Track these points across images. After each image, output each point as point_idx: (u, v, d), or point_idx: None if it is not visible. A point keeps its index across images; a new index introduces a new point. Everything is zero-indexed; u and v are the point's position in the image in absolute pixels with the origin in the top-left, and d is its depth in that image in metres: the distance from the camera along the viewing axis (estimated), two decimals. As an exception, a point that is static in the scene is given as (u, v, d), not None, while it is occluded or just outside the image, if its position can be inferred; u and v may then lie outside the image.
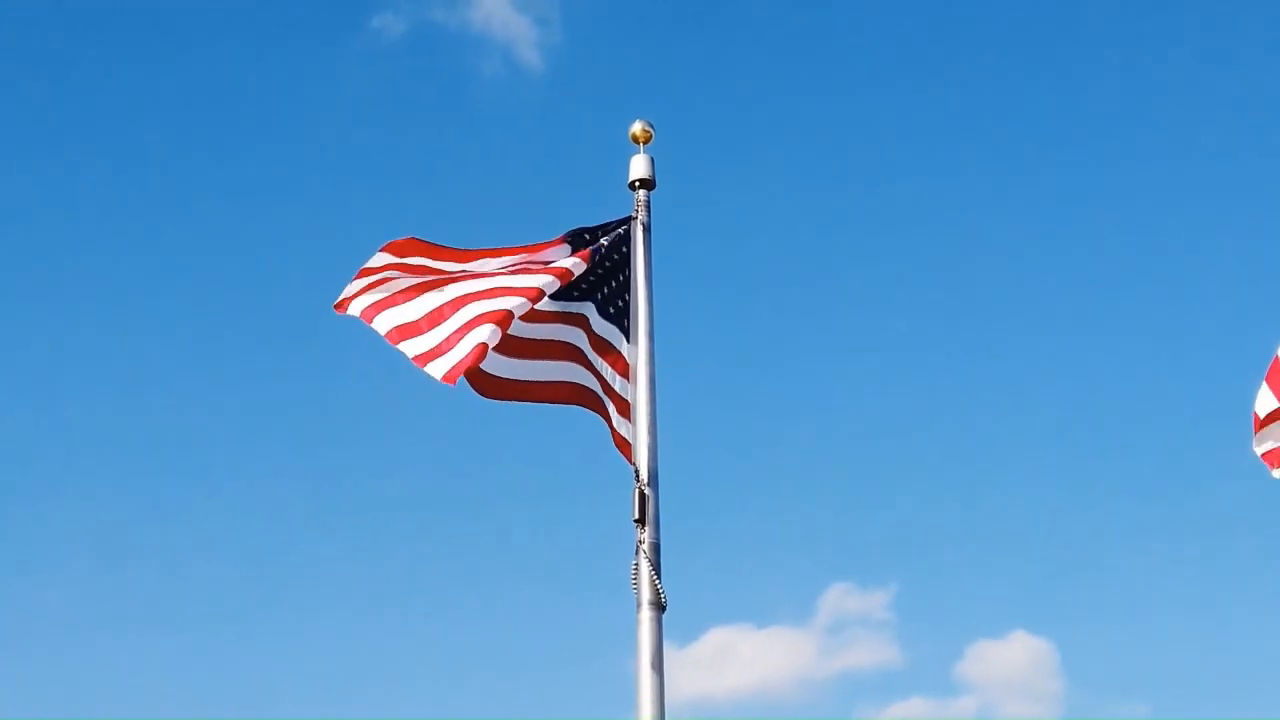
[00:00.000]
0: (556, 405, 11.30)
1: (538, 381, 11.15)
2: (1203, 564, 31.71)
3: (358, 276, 11.20)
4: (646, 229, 11.54)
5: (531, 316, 11.03)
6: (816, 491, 32.95)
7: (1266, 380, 11.24)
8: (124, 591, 31.44)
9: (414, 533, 32.38)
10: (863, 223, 35.18)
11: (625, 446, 11.08)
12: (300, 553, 32.05)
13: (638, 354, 11.21)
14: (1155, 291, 34.40)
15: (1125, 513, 32.69)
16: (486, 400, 11.09)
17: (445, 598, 31.60)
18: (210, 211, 34.62)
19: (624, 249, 11.44)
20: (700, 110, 34.88)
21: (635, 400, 11.09)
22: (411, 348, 10.64)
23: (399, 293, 10.94)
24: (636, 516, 10.63)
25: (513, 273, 11.14)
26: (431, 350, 10.58)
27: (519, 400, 11.15)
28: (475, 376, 10.83)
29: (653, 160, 11.65)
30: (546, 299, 10.99)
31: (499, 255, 11.38)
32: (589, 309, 11.36)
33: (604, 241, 11.38)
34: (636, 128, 11.66)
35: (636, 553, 10.58)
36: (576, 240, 11.41)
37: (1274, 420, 11.20)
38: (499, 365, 10.95)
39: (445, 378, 10.41)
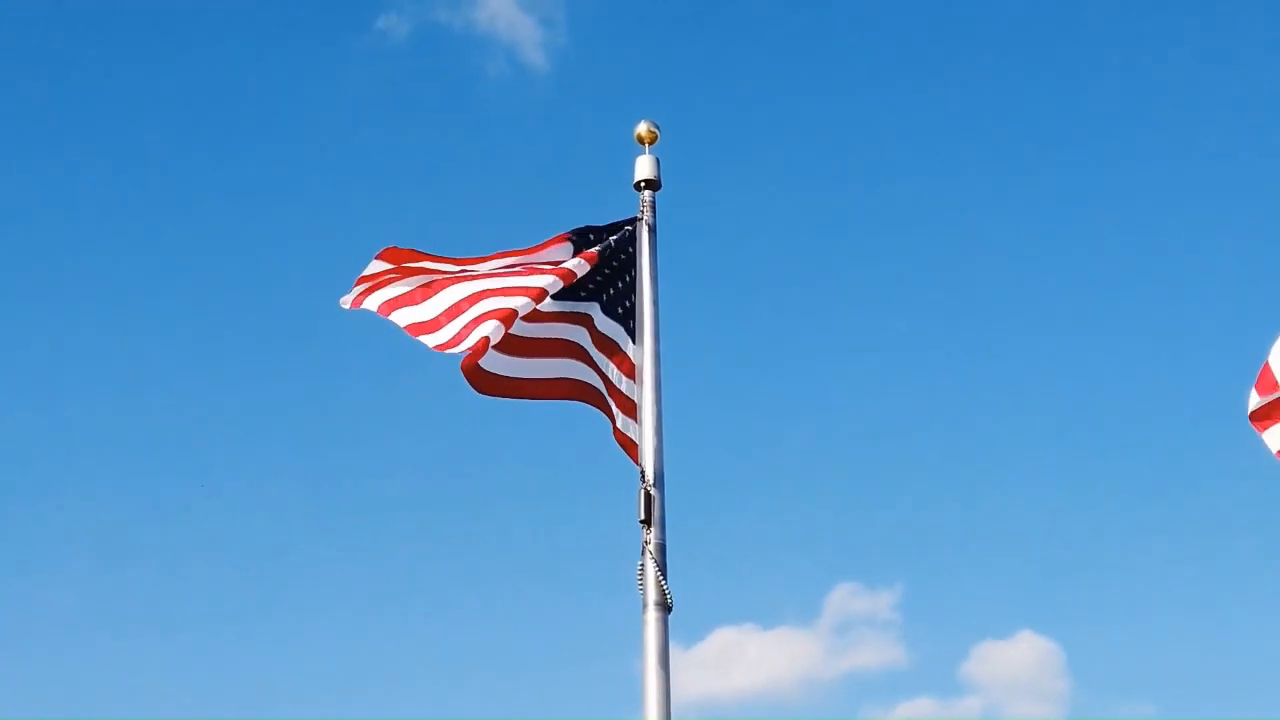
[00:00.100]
0: (558, 402, 11.31)
1: (537, 379, 11.15)
2: (1208, 564, 31.72)
3: (358, 283, 11.26)
4: (652, 229, 11.54)
5: (533, 317, 11.04)
6: (822, 492, 32.95)
7: (1256, 387, 11.25)
8: (124, 592, 31.48)
9: (418, 534, 32.41)
10: (867, 223, 35.20)
11: (627, 444, 11.09)
12: (303, 553, 32.08)
13: (643, 355, 11.22)
14: (1156, 291, 34.40)
15: (1130, 513, 32.69)
16: (490, 400, 11.10)
17: (450, 598, 31.62)
18: (214, 212, 34.65)
19: (630, 250, 11.45)
20: (705, 111, 34.89)
21: (641, 401, 11.10)
22: (431, 340, 10.77)
23: (414, 291, 11.00)
24: (642, 517, 10.64)
25: (517, 273, 11.17)
26: (452, 339, 10.77)
27: (518, 397, 11.13)
28: (473, 373, 10.84)
29: (658, 161, 11.66)
30: (549, 299, 11.01)
31: (501, 259, 11.40)
32: (594, 309, 11.37)
33: (611, 241, 11.40)
34: (642, 128, 11.66)
35: (642, 553, 10.59)
36: (580, 240, 11.42)
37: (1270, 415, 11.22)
38: (498, 363, 10.95)
39: (463, 363, 10.64)
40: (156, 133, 34.98)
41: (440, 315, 10.94)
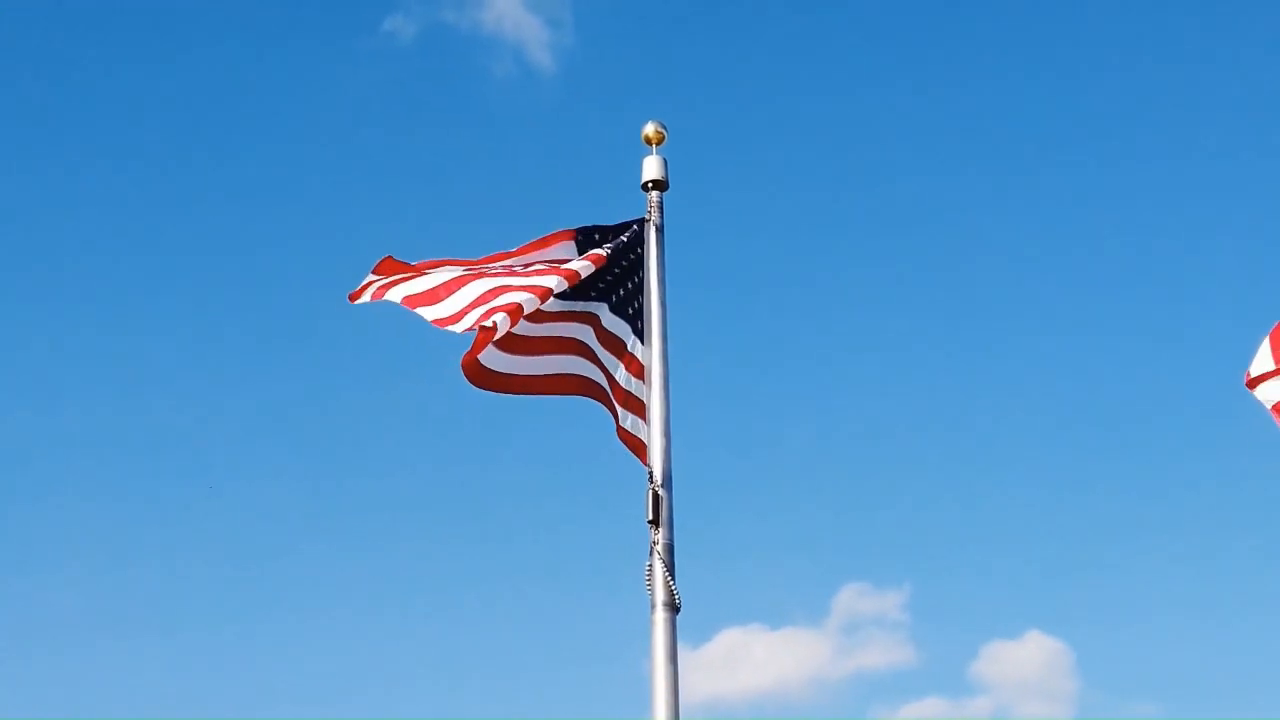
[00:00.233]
0: (564, 401, 11.31)
1: (538, 375, 11.14)
2: (1215, 565, 31.69)
3: (363, 286, 11.28)
4: (659, 230, 11.54)
5: (536, 317, 11.03)
6: (830, 492, 32.95)
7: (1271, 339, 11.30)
8: (124, 591, 31.50)
9: (426, 534, 32.42)
10: (874, 224, 35.19)
11: (632, 441, 11.09)
12: (309, 553, 32.09)
13: (651, 355, 11.21)
14: (1159, 290, 34.38)
15: (1138, 513, 32.67)
16: (498, 401, 11.11)
17: (458, 599, 31.64)
18: (219, 212, 34.68)
19: (639, 250, 11.45)
20: (712, 111, 34.90)
21: (649, 401, 11.09)
22: (456, 328, 10.80)
23: (436, 288, 11.02)
24: (650, 518, 10.64)
25: (522, 273, 11.16)
26: (456, 315, 10.86)
27: (517, 393, 11.12)
28: (473, 369, 10.84)
29: (665, 162, 11.66)
30: (553, 299, 11.01)
31: (504, 259, 11.41)
32: (602, 309, 11.36)
33: (622, 239, 11.39)
34: (649, 129, 11.66)
35: (650, 554, 10.59)
36: (586, 240, 11.42)
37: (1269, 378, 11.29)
38: (498, 361, 10.95)
39: (463, 360, 10.71)
40: (162, 133, 35.06)
41: (462, 310, 10.92)
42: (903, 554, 32.55)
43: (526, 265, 11.28)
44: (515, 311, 10.72)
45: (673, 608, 10.52)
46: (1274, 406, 11.25)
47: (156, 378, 33.31)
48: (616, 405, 11.19)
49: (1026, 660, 31.95)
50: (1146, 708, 29.10)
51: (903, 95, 35.78)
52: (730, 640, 31.80)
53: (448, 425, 32.46)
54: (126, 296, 33.89)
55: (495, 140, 35.29)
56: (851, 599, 32.41)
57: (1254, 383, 11.31)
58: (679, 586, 10.55)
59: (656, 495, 10.70)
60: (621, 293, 11.39)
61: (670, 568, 10.57)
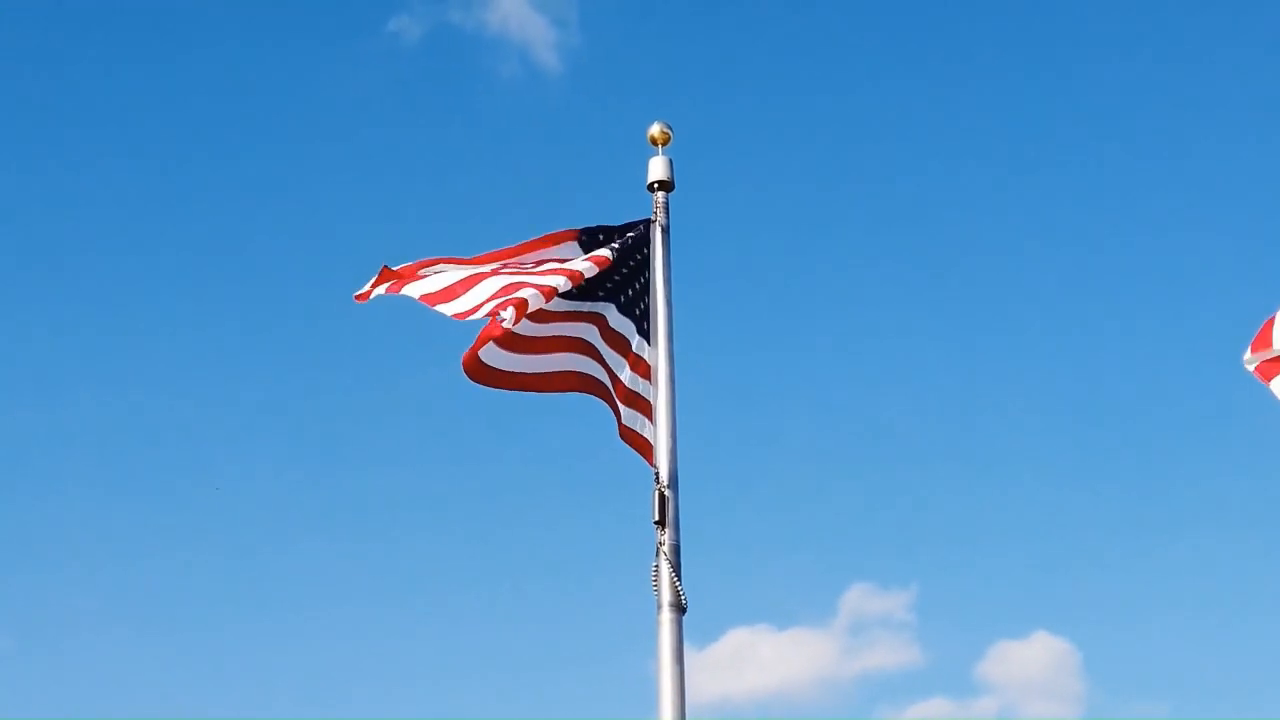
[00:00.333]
0: (565, 397, 11.31)
1: (539, 373, 11.13)
2: (1223, 564, 31.65)
3: (366, 294, 11.29)
4: (665, 231, 11.54)
5: (539, 317, 11.04)
6: (836, 492, 32.93)
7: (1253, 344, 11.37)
8: (125, 589, 31.53)
9: (431, 534, 32.43)
10: (881, 224, 35.17)
11: (634, 438, 11.09)
12: (316, 553, 32.11)
13: (657, 356, 11.22)
14: (1169, 288, 34.35)
15: (1145, 512, 32.64)
16: (507, 399, 11.11)
17: (464, 599, 31.64)
18: (225, 212, 34.69)
19: (646, 250, 11.45)
20: (718, 112, 34.88)
21: (655, 402, 11.09)
22: (475, 317, 10.84)
23: (454, 285, 11.03)
24: (656, 518, 10.64)
25: (532, 271, 11.17)
26: (471, 310, 10.86)
27: (517, 389, 11.12)
28: (473, 365, 10.85)
29: (671, 162, 11.66)
30: (558, 299, 11.01)
31: (507, 255, 11.41)
32: (610, 309, 11.36)
33: (631, 234, 11.40)
34: (655, 130, 11.66)
35: (657, 554, 10.59)
36: (590, 240, 11.43)
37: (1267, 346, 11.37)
38: (500, 359, 10.96)
39: (464, 356, 10.80)
40: (166, 132, 35.05)
41: (478, 304, 10.93)
42: (909, 554, 32.55)
43: (537, 264, 11.29)
44: (521, 306, 10.73)
45: (679, 608, 10.52)
46: (1262, 372, 11.32)
47: (160, 375, 33.35)
48: (619, 403, 11.19)
49: (1033, 660, 31.94)
50: (1154, 708, 29.08)
51: (909, 95, 35.78)
52: (737, 640, 31.81)
53: (454, 424, 32.49)
54: (130, 295, 33.94)
55: (501, 141, 35.30)
56: (858, 599, 32.41)
57: (1253, 360, 11.37)
58: (685, 587, 10.56)
59: (663, 496, 10.70)
60: (630, 293, 11.40)
61: (676, 568, 10.57)
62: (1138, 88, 35.55)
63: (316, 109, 35.38)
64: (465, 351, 10.83)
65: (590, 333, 11.29)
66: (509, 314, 10.64)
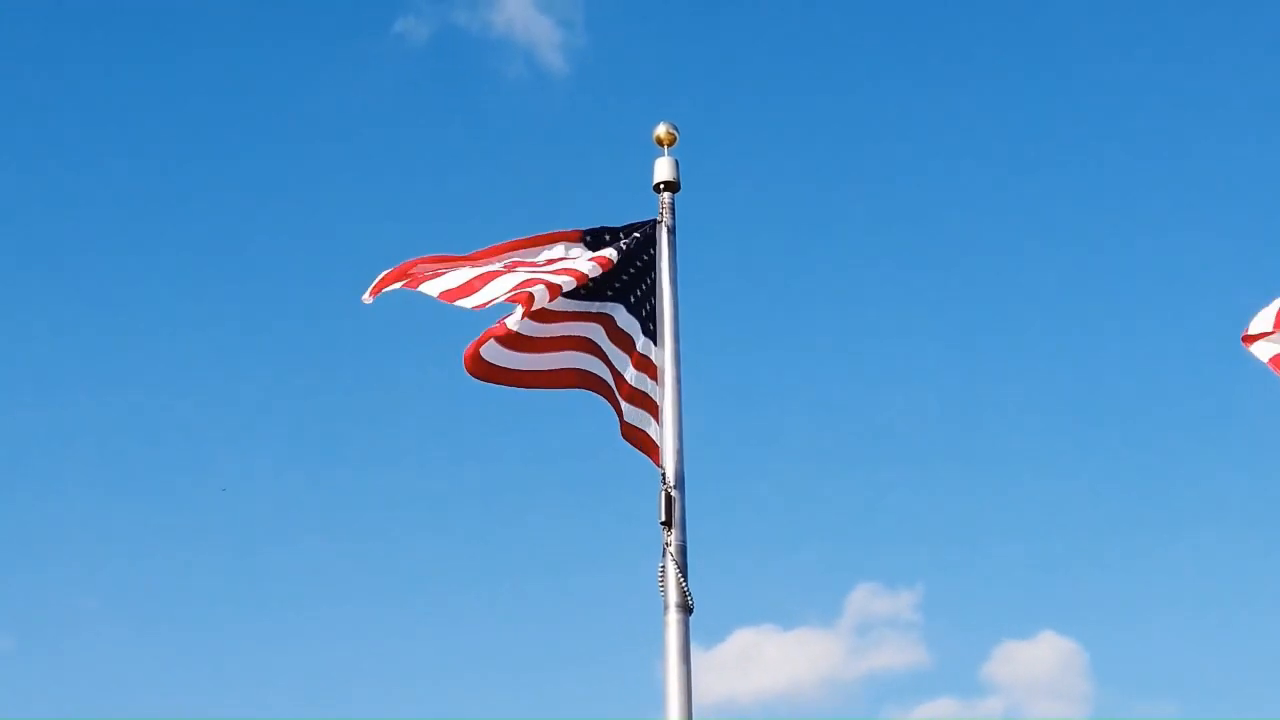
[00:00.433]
0: (570, 397, 11.33)
1: (540, 370, 11.14)
2: (1231, 563, 31.66)
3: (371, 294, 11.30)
4: (671, 231, 11.54)
5: (543, 316, 11.05)
6: (842, 492, 32.95)
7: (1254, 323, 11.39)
8: (127, 588, 31.59)
9: (440, 534, 32.46)
10: (888, 224, 35.19)
11: (636, 436, 11.10)
12: (319, 551, 32.15)
13: (664, 356, 11.22)
14: (1175, 288, 34.35)
15: (1152, 512, 32.64)
16: (517, 400, 11.14)
17: (472, 599, 31.67)
18: (231, 212, 34.74)
19: (651, 252, 11.45)
20: (724, 113, 34.89)
21: (662, 403, 11.09)
22: (493, 305, 10.89)
23: (462, 285, 11.03)
24: (663, 519, 10.64)
25: (543, 268, 11.18)
26: (486, 302, 10.89)
27: (516, 386, 11.12)
28: (474, 362, 10.85)
29: (677, 163, 11.66)
30: (562, 299, 11.02)
31: (506, 250, 11.41)
32: (618, 310, 11.36)
33: (637, 235, 11.40)
34: (661, 130, 11.66)
35: (663, 555, 10.59)
36: (596, 240, 11.43)
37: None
38: (502, 357, 10.97)
39: (465, 352, 10.87)
40: (171, 132, 35.11)
41: (495, 298, 10.95)
42: (915, 554, 32.57)
43: (547, 263, 11.29)
44: (527, 301, 10.76)
45: (686, 609, 10.52)
46: (1272, 360, 11.34)
47: (161, 375, 33.44)
48: (621, 400, 11.19)
49: (1039, 660, 31.94)
50: (1161, 708, 29.07)
51: (913, 95, 35.79)
52: (743, 641, 31.81)
53: (460, 424, 32.53)
54: (131, 295, 34.02)
55: (506, 141, 35.33)
56: (864, 599, 32.41)
57: (1251, 340, 11.40)
58: (692, 587, 10.56)
59: (669, 496, 10.71)
60: (638, 293, 11.40)
61: (683, 569, 10.57)
62: (1138, 87, 35.57)
63: (323, 110, 35.44)
64: (467, 347, 10.85)
65: (596, 333, 11.30)
66: (517, 312, 10.69)
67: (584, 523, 31.77)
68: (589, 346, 11.26)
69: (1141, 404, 33.69)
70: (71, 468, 32.69)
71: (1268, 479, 30.54)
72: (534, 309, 10.88)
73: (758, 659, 31.73)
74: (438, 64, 35.81)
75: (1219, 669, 30.14)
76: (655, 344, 11.29)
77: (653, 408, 11.15)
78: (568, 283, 10.99)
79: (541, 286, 10.85)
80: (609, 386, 11.24)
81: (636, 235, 11.45)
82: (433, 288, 11.05)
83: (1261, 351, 11.38)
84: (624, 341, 11.34)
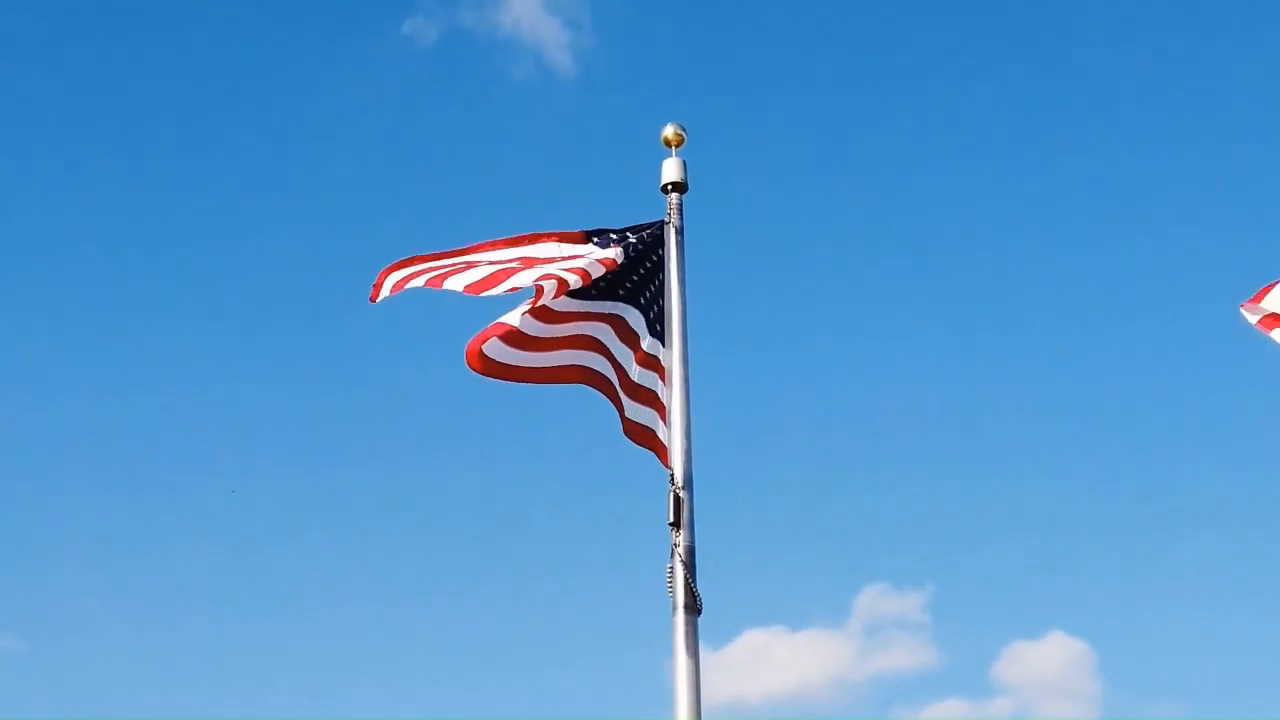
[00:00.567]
0: (577, 396, 11.34)
1: (541, 367, 11.14)
2: (1240, 562, 31.62)
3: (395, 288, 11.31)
4: (679, 232, 11.55)
5: (547, 316, 11.05)
6: (851, 493, 32.95)
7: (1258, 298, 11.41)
8: (128, 587, 31.62)
9: (448, 534, 32.47)
10: (896, 224, 35.18)
11: (639, 432, 11.10)
12: (325, 550, 32.19)
13: (672, 358, 11.22)
14: (1179, 287, 34.34)
15: (1161, 511, 32.62)
16: (527, 400, 11.16)
17: (478, 599, 31.68)
18: (237, 212, 34.78)
19: (660, 252, 11.46)
20: (732, 113, 34.90)
21: (670, 404, 11.10)
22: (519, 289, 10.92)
23: (486, 278, 11.05)
24: (671, 520, 10.65)
25: (559, 263, 11.20)
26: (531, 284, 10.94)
27: (517, 381, 11.13)
28: (475, 357, 10.86)
29: (685, 164, 11.66)
30: (566, 298, 11.03)
31: (505, 245, 11.43)
32: (629, 311, 11.37)
33: (644, 235, 11.41)
34: (669, 131, 11.66)
35: (672, 556, 10.60)
36: (602, 241, 11.43)
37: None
38: (504, 354, 10.98)
39: (467, 347, 10.90)
40: (177, 132, 35.17)
41: (518, 286, 10.99)
42: (924, 555, 32.54)
43: (556, 259, 11.31)
44: (544, 293, 10.82)
45: (694, 610, 10.53)
46: (1262, 320, 11.36)
47: (161, 375, 33.49)
48: (623, 396, 11.18)
49: (1049, 661, 31.91)
50: (1171, 708, 29.03)
51: (923, 96, 35.78)
52: (752, 642, 31.79)
53: (468, 423, 32.53)
54: (132, 295, 34.07)
55: (514, 142, 35.34)
56: (873, 600, 32.40)
57: (1252, 307, 11.42)
58: (700, 588, 10.56)
59: (678, 497, 10.71)
60: (648, 293, 11.41)
61: (691, 570, 10.58)
62: (1141, 88, 35.57)
63: (331, 111, 35.46)
64: (469, 342, 10.85)
65: (606, 333, 11.30)
66: (520, 309, 10.72)
67: (593, 523, 31.80)
68: (596, 346, 11.27)
69: (1148, 403, 33.69)
70: (74, 467, 32.76)
71: (1276, 478, 30.54)
72: (537, 305, 10.89)
73: (767, 660, 31.74)
74: (445, 65, 35.84)
75: (1228, 669, 30.13)
76: (663, 345, 11.30)
77: (660, 408, 11.15)
78: (575, 280, 11.00)
79: (553, 283, 10.88)
80: (612, 384, 11.24)
81: (644, 235, 11.45)
82: (457, 282, 11.06)
83: (1262, 322, 11.38)
84: (630, 339, 11.35)
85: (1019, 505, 32.90)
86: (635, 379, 11.25)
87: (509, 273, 11.08)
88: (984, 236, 35.01)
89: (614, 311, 11.33)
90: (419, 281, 11.11)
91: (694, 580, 10.55)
